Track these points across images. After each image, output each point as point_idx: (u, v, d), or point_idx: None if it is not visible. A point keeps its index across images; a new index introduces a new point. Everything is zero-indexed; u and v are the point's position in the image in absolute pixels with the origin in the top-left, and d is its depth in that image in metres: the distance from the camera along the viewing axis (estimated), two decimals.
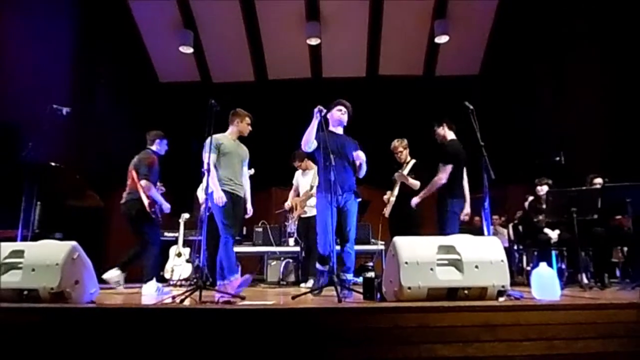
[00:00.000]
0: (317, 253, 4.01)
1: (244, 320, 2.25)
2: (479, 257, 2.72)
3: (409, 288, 2.58)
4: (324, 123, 3.93)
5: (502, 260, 2.74)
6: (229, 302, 2.85)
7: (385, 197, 5.26)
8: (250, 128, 4.41)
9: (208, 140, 3.86)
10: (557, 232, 5.22)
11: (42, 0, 6.65)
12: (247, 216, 4.65)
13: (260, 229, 6.63)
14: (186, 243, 6.53)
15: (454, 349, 2.18)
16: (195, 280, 4.86)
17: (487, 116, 4.24)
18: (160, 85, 9.70)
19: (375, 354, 2.17)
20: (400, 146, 5.18)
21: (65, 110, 4.13)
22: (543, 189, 5.46)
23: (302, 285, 5.33)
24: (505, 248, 2.94)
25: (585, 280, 4.45)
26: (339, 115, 4.19)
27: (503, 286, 2.68)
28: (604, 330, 2.26)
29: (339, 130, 4.24)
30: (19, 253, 2.73)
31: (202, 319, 2.26)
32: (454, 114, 4.49)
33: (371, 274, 3.12)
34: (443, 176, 4.32)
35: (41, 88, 5.97)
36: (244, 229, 6.60)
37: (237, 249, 4.59)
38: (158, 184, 4.73)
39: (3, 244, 2.82)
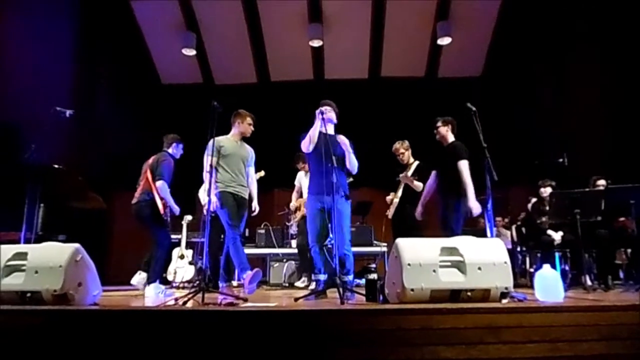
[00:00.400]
0: (313, 261, 4.01)
1: (246, 322, 2.25)
2: (482, 258, 2.71)
3: (412, 290, 2.57)
4: (325, 125, 3.92)
5: (505, 262, 2.73)
6: (231, 304, 2.85)
7: (389, 198, 5.25)
8: (252, 128, 4.41)
9: (210, 143, 3.87)
10: (560, 233, 5.20)
11: (44, 0, 6.69)
12: (253, 214, 4.64)
13: (262, 231, 6.63)
14: (189, 245, 6.54)
15: (457, 351, 2.17)
16: (198, 282, 4.87)
17: (489, 118, 4.23)
18: (163, 87, 9.72)
19: (378, 355, 2.17)
20: (402, 148, 5.17)
21: (68, 112, 4.14)
22: (546, 191, 5.44)
23: (296, 284, 5.37)
24: (508, 250, 2.92)
25: (588, 282, 4.43)
26: (328, 115, 4.13)
27: (506, 288, 2.67)
28: (608, 333, 2.25)
29: (330, 129, 4.16)
30: (22, 255, 2.74)
31: (205, 321, 2.26)
32: (457, 116, 4.49)
33: (374, 276, 3.10)
34: (468, 173, 4.31)
35: (43, 89, 6.00)
36: (247, 230, 6.61)
37: None
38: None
39: (6, 246, 2.83)
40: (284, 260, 6.34)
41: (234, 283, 5.50)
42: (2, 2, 5.99)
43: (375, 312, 2.33)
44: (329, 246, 4.02)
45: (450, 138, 4.58)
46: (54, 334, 2.24)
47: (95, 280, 2.89)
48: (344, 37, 8.73)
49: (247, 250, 6.45)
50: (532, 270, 6.26)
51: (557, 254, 5.33)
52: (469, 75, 9.29)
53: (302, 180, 5.94)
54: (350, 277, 3.86)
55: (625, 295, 3.80)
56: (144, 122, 8.33)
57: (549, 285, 2.81)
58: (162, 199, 4.45)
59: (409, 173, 5.05)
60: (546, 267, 2.92)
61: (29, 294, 2.61)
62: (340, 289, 3.02)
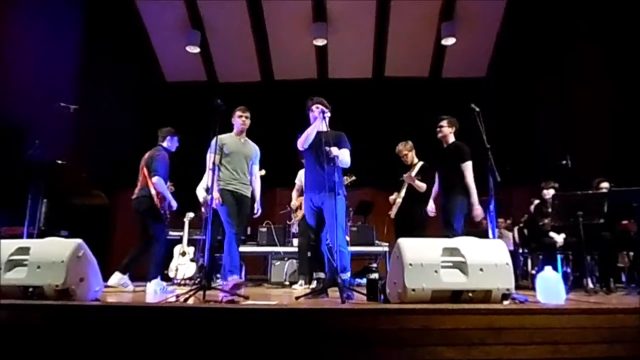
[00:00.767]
0: (314, 261, 4.00)
1: (247, 320, 2.25)
2: (484, 259, 2.71)
3: (413, 290, 2.57)
4: (327, 124, 3.93)
5: (507, 263, 2.72)
6: (232, 302, 2.86)
7: (392, 197, 5.25)
8: (243, 120, 4.35)
9: (213, 141, 3.87)
10: (562, 235, 5.19)
11: (49, 0, 6.71)
12: (255, 215, 4.63)
13: (264, 229, 6.63)
14: (190, 242, 6.55)
15: (458, 351, 2.17)
16: (199, 279, 4.87)
17: (493, 119, 4.22)
18: (167, 85, 9.74)
19: (378, 355, 2.17)
20: (405, 149, 5.17)
21: (72, 107, 4.17)
22: (549, 193, 5.42)
23: (294, 286, 5.33)
24: (510, 251, 2.92)
25: (590, 285, 4.43)
26: (318, 113, 4.08)
27: (508, 289, 2.66)
28: (609, 335, 2.24)
29: (323, 126, 4.09)
30: (24, 250, 2.74)
31: (206, 318, 2.27)
32: (460, 116, 4.49)
33: (375, 276, 3.10)
34: (471, 175, 4.31)
35: (47, 87, 6.02)
36: (249, 229, 6.61)
37: (241, 249, 4.58)
38: (168, 183, 4.76)
39: (9, 240, 2.84)
40: (286, 258, 6.33)
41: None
42: (11, 2, 6.02)
43: (376, 312, 2.33)
44: (330, 245, 4.01)
45: (451, 138, 4.60)
46: (56, 329, 2.25)
47: (97, 276, 2.89)
48: (348, 37, 8.72)
49: (249, 249, 6.51)
50: (533, 272, 6.24)
51: (559, 256, 5.32)
52: (473, 76, 9.27)
53: (303, 178, 5.93)
54: (347, 276, 3.76)
55: (627, 298, 3.79)
56: (148, 119, 8.34)
57: (550, 287, 2.80)
58: (158, 194, 4.48)
59: (413, 173, 5.05)
60: (548, 269, 2.90)
61: (31, 289, 2.61)
62: (341, 288, 3.02)
